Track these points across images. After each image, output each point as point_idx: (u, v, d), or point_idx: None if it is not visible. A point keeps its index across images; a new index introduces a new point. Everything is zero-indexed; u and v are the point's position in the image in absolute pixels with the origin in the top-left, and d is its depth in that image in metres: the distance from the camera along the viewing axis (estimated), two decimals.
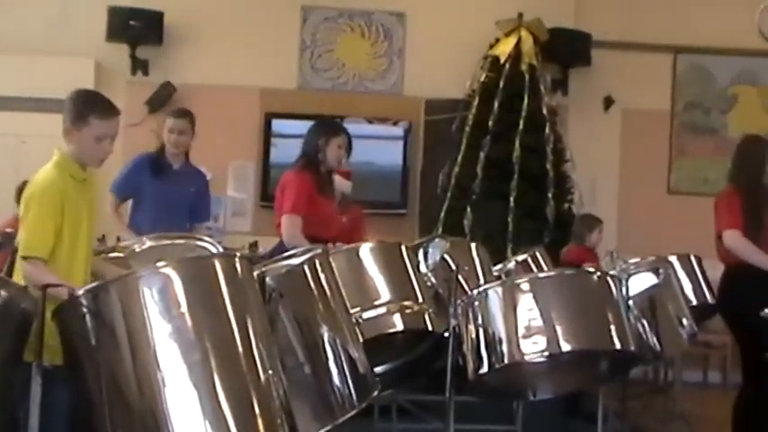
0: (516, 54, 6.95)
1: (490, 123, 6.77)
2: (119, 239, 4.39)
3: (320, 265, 2.75)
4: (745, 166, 4.53)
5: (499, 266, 4.34)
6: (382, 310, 3.14)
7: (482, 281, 3.78)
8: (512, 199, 6.57)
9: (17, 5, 7.25)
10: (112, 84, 6.80)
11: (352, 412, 2.64)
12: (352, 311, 2.92)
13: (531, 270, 4.35)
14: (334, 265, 2.87)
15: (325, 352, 2.64)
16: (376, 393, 2.78)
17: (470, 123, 6.89)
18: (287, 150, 6.06)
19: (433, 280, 3.39)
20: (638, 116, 7.70)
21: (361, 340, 2.85)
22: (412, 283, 3.26)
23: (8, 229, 4.78)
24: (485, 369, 3.14)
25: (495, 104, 6.80)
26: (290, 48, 7.47)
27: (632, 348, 3.25)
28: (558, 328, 3.08)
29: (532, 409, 4.86)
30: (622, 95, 7.62)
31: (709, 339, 6.74)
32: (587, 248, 5.87)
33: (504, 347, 3.10)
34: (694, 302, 4.27)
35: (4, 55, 7.00)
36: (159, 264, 2.39)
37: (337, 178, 5.31)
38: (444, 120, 7.14)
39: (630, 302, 3.41)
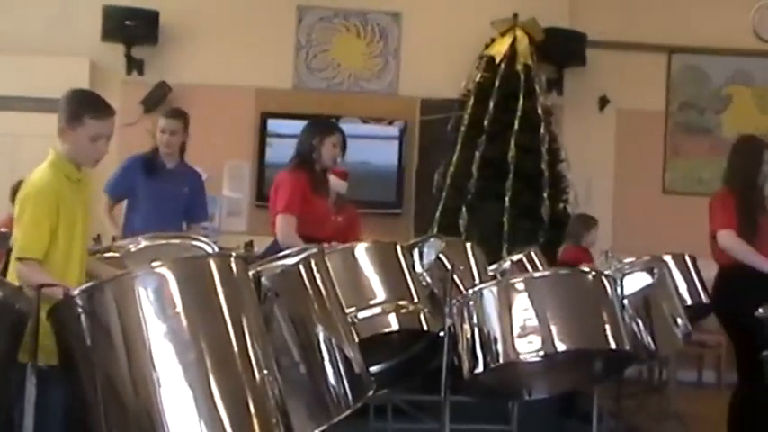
0: (511, 54, 6.96)
1: (485, 123, 6.78)
2: (114, 239, 4.39)
3: (315, 264, 2.75)
4: (740, 166, 4.54)
5: (494, 266, 4.35)
6: (377, 309, 3.14)
7: (477, 280, 3.79)
8: (507, 199, 6.57)
9: (12, 5, 7.24)
10: (108, 83, 6.79)
11: (348, 412, 2.64)
12: (347, 311, 2.92)
13: (527, 270, 4.36)
14: (329, 264, 2.87)
15: (320, 351, 2.64)
16: (371, 393, 2.78)
17: (466, 123, 6.90)
18: (282, 150, 6.06)
19: (428, 279, 3.39)
20: (632, 116, 7.71)
21: (356, 340, 2.85)
22: (407, 282, 3.26)
23: (3, 229, 4.78)
24: (480, 368, 3.14)
25: (491, 104, 6.81)
26: (286, 48, 7.47)
27: (627, 348, 3.25)
28: (553, 328, 3.09)
29: (528, 409, 4.87)
30: (617, 95, 7.64)
31: (703, 339, 6.75)
32: (584, 248, 5.88)
33: (500, 347, 3.10)
34: (689, 302, 4.28)
35: None
36: (154, 263, 2.38)
37: (332, 178, 5.31)
38: (440, 120, 7.14)
39: (625, 302, 3.41)
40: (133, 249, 3.47)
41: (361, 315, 3.08)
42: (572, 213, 6.66)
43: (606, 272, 3.46)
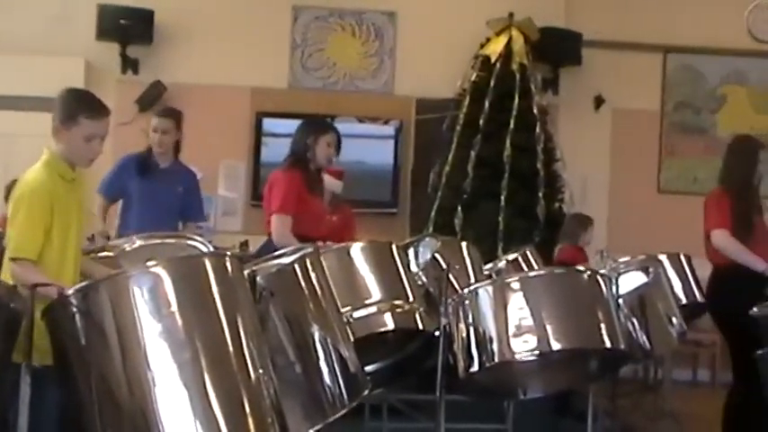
0: (507, 53, 6.96)
1: (481, 122, 6.78)
2: (108, 238, 4.39)
3: (311, 264, 2.75)
4: (736, 166, 4.55)
5: (490, 265, 4.35)
6: (373, 309, 3.14)
7: (473, 280, 3.79)
8: (502, 198, 6.58)
9: (7, 5, 7.23)
10: (102, 82, 6.78)
11: (343, 411, 2.64)
12: (342, 310, 2.92)
13: (522, 269, 4.36)
14: (324, 264, 2.87)
15: (315, 351, 2.64)
16: (367, 392, 2.78)
17: (461, 122, 6.90)
18: (278, 150, 6.05)
19: (423, 279, 3.39)
20: (628, 115, 7.72)
21: (351, 339, 2.85)
22: (403, 282, 3.26)
23: None
24: (475, 368, 3.14)
25: (486, 104, 6.81)
26: (281, 47, 7.47)
27: (622, 347, 3.26)
28: (549, 327, 3.09)
29: (523, 408, 4.87)
30: (613, 95, 7.65)
31: (698, 338, 6.76)
32: (580, 248, 5.89)
33: (495, 346, 3.11)
34: (684, 301, 4.28)
35: None
36: (149, 263, 2.38)
37: (328, 178, 5.31)
38: (435, 119, 7.14)
39: (620, 301, 3.41)
40: (128, 249, 3.46)
41: (356, 314, 3.08)
42: (567, 213, 6.66)
43: (601, 271, 3.46)
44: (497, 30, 7.09)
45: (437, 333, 3.18)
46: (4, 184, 5.51)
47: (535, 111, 6.85)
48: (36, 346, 2.42)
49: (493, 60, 6.97)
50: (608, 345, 3.19)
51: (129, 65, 7.24)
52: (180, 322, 2.28)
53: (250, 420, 2.27)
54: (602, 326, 3.18)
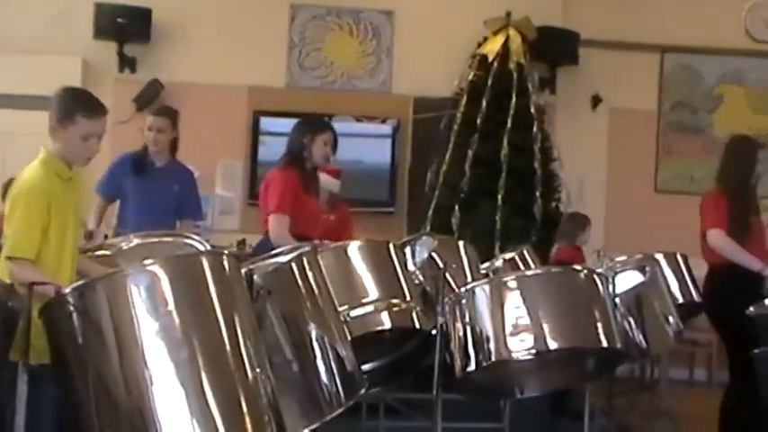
0: (504, 53, 6.96)
1: (478, 122, 6.79)
2: (106, 237, 4.39)
3: (308, 262, 2.76)
4: (734, 166, 4.55)
5: (487, 264, 4.35)
6: (370, 308, 3.14)
7: (470, 279, 3.80)
8: (499, 197, 6.58)
9: (4, 4, 7.22)
10: (100, 81, 6.78)
11: (340, 410, 2.64)
12: (339, 309, 2.92)
13: (519, 268, 4.36)
14: (322, 263, 2.87)
15: (312, 350, 2.64)
16: (363, 391, 2.78)
17: (459, 122, 6.91)
18: (275, 148, 6.04)
19: (420, 278, 3.40)
20: (625, 115, 7.73)
21: (348, 338, 2.85)
22: (400, 281, 3.26)
23: None
24: (472, 367, 3.14)
25: (484, 103, 6.82)
26: (279, 46, 7.47)
27: (619, 346, 3.26)
28: (545, 326, 3.09)
29: (520, 407, 4.88)
30: (610, 94, 7.65)
31: (694, 337, 6.77)
32: (577, 247, 5.89)
33: (492, 345, 3.11)
34: (680, 300, 4.29)
35: None
36: (146, 261, 2.38)
37: (325, 177, 5.31)
38: (433, 118, 7.15)
39: (617, 300, 3.42)
40: (125, 247, 3.46)
41: (353, 313, 3.08)
42: (564, 212, 6.67)
43: (598, 270, 3.47)
44: (495, 29, 7.10)
45: (434, 332, 3.18)
46: (2, 183, 5.51)
47: (532, 110, 6.86)
48: (33, 344, 2.42)
49: (490, 59, 6.97)
50: (605, 344, 3.19)
51: (127, 63, 7.24)
52: (177, 321, 2.28)
53: (247, 419, 2.28)
54: (599, 325, 3.18)
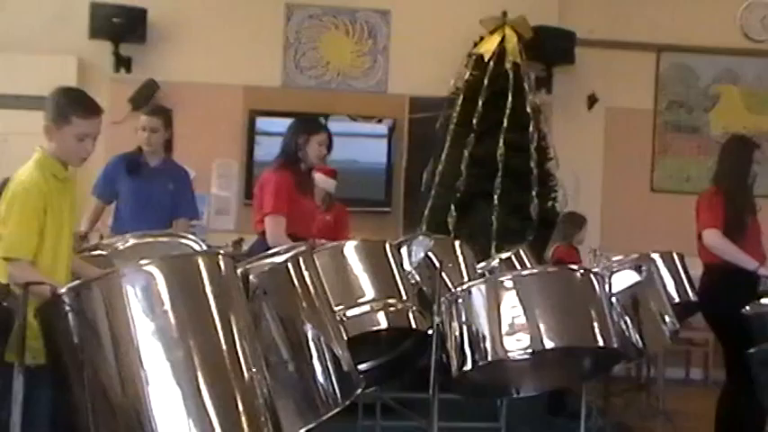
0: (500, 52, 6.96)
1: (474, 121, 6.78)
2: (101, 237, 4.38)
3: (304, 262, 2.76)
4: (730, 166, 4.55)
5: (483, 264, 4.35)
6: (366, 307, 3.14)
7: (466, 278, 3.79)
8: (496, 197, 6.58)
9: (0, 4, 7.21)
10: (95, 81, 6.77)
11: (336, 410, 2.64)
12: (336, 309, 2.93)
13: (515, 268, 4.36)
14: (318, 262, 2.87)
15: (309, 349, 2.64)
16: (360, 391, 2.79)
17: (455, 121, 6.90)
18: (271, 148, 6.04)
19: (416, 278, 3.40)
20: (621, 114, 7.73)
21: (345, 338, 2.85)
22: (396, 280, 3.26)
23: None
24: (468, 366, 3.14)
25: (480, 102, 6.81)
26: (274, 45, 7.46)
27: (615, 345, 3.26)
28: (542, 326, 3.10)
29: (516, 407, 4.88)
30: (606, 94, 7.65)
31: (691, 336, 6.78)
32: (574, 247, 5.90)
33: (488, 345, 3.11)
34: (677, 300, 4.29)
35: None
36: (142, 261, 2.38)
37: (321, 177, 5.31)
38: (429, 118, 7.14)
39: (613, 300, 3.42)
40: (121, 247, 3.46)
41: (349, 313, 3.08)
42: (561, 211, 6.67)
43: (594, 270, 3.47)
44: (491, 28, 7.09)
45: (430, 332, 3.18)
46: None
47: (528, 110, 6.85)
48: (29, 345, 2.42)
49: (486, 59, 6.97)
50: (601, 343, 3.19)
51: (122, 63, 7.22)
52: (173, 321, 2.27)
53: (243, 419, 2.27)
54: (595, 324, 3.18)
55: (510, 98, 6.79)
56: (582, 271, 3.38)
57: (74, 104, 2.90)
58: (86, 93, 3.03)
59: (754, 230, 4.50)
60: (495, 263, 4.50)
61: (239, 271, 2.52)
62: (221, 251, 2.61)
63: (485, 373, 3.27)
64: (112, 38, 7.15)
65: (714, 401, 4.52)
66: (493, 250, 5.97)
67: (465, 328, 3.15)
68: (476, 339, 3.13)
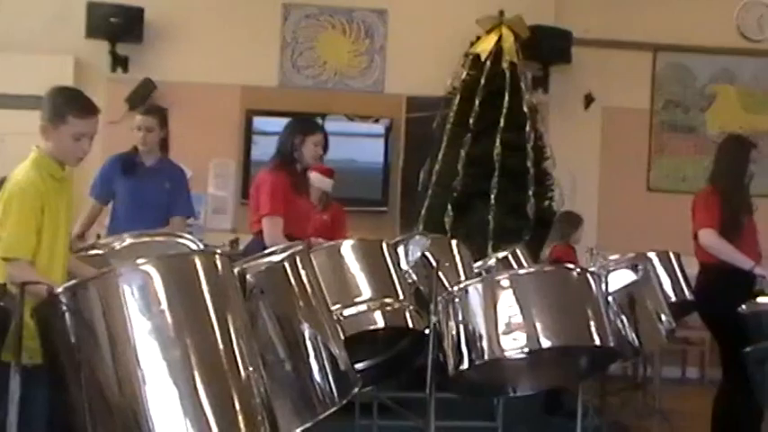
0: (497, 52, 6.96)
1: (471, 121, 6.78)
2: (98, 237, 4.38)
3: (301, 261, 2.76)
4: (727, 165, 4.56)
5: (480, 263, 4.36)
6: (363, 307, 3.14)
7: (462, 278, 3.80)
8: (492, 196, 6.58)
9: None
10: (92, 80, 6.75)
11: (333, 409, 2.65)
12: (333, 308, 2.93)
13: (512, 267, 4.37)
14: (315, 262, 2.87)
15: (305, 349, 2.65)
16: (357, 390, 2.79)
17: (451, 121, 6.91)
18: (268, 148, 6.04)
19: (413, 277, 3.41)
20: (617, 114, 7.74)
21: (342, 337, 2.85)
22: (393, 280, 3.26)
23: None
24: (465, 365, 3.15)
25: (476, 102, 6.82)
26: (271, 45, 7.46)
27: (611, 344, 3.27)
28: (538, 325, 3.10)
29: (513, 406, 4.89)
30: (602, 93, 7.66)
31: (687, 335, 6.79)
32: (570, 246, 5.91)
33: (485, 344, 3.11)
34: (673, 299, 4.30)
35: None
36: (139, 261, 2.38)
37: (318, 176, 5.32)
38: (425, 117, 7.14)
39: (610, 299, 3.43)
40: (118, 247, 3.46)
41: (346, 312, 3.08)
42: (557, 211, 6.68)
43: (591, 269, 3.48)
44: (487, 28, 7.10)
45: (427, 331, 3.18)
46: None
47: (525, 109, 6.86)
48: (26, 345, 2.42)
49: (483, 58, 6.97)
50: (597, 342, 3.20)
51: (119, 63, 7.22)
52: (170, 320, 2.27)
53: (240, 418, 2.28)
54: (592, 323, 3.19)
55: (507, 98, 6.80)
56: (578, 270, 3.39)
57: (70, 104, 2.90)
58: (83, 92, 3.03)
59: (750, 230, 4.51)
60: (491, 262, 4.51)
61: (236, 270, 2.52)
62: (218, 250, 2.61)
63: (481, 373, 3.28)
64: (109, 37, 7.14)
65: (710, 400, 4.53)
66: (490, 249, 5.97)
67: (462, 327, 3.16)
68: (472, 338, 3.14)
